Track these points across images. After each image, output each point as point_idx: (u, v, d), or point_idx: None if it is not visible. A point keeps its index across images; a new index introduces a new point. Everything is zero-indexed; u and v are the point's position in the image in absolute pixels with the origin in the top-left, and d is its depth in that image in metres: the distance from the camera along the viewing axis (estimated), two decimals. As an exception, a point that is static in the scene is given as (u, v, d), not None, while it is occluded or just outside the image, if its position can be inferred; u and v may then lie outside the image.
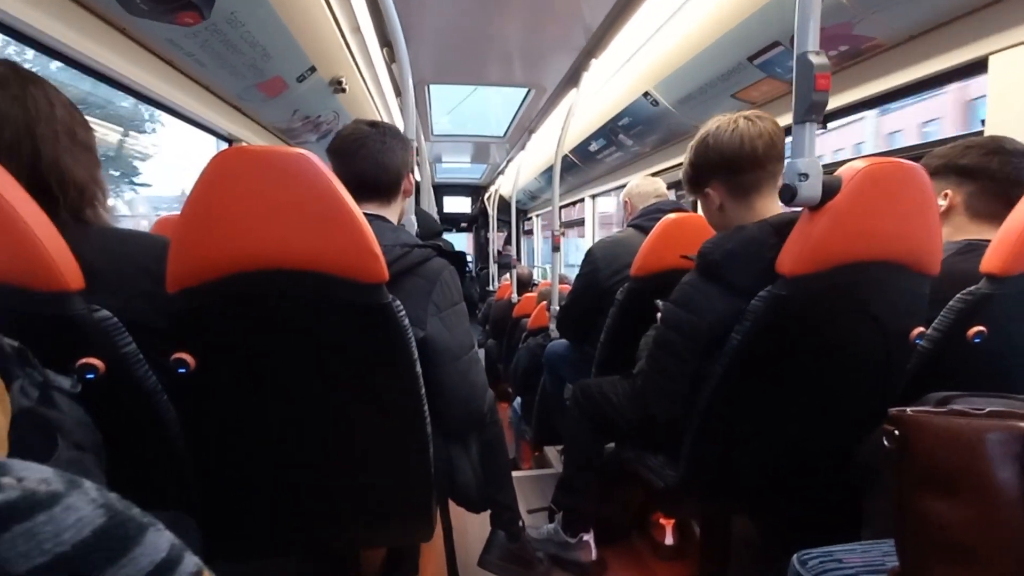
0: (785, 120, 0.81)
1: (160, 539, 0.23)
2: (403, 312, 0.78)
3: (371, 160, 1.00)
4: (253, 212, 0.69)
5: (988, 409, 0.54)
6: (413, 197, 1.33)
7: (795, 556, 0.70)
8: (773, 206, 0.98)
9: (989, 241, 0.89)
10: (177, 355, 0.72)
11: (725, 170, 0.97)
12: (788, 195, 0.75)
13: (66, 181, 0.73)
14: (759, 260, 0.86)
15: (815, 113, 0.73)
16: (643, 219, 1.65)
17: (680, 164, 1.10)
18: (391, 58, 2.11)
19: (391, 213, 1.05)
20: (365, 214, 0.95)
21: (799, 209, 0.86)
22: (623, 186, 2.36)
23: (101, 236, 0.77)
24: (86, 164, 0.77)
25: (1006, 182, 0.97)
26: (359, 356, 0.79)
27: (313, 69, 1.87)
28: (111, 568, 0.21)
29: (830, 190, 0.75)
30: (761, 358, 0.88)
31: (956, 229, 1.04)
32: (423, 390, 0.85)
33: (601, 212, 4.41)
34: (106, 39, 1.26)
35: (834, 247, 0.80)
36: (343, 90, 2.09)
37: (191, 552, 0.24)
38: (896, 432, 0.55)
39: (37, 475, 0.21)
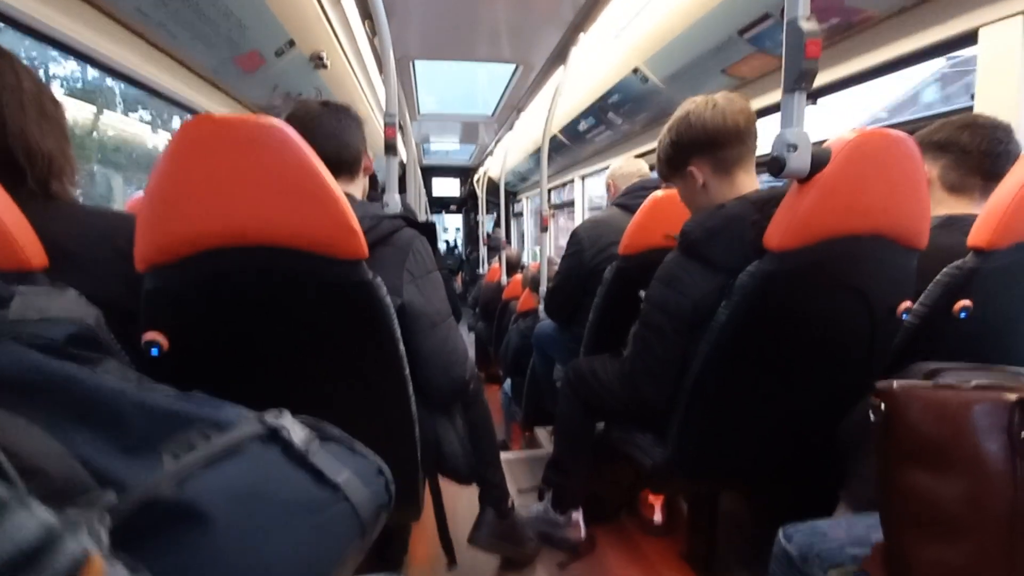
0: (776, 96, 0.78)
1: (29, 521, 0.20)
2: (384, 289, 0.75)
3: (331, 138, 0.97)
4: (223, 185, 0.66)
5: (975, 381, 0.53)
6: (397, 180, 1.30)
7: (781, 530, 0.70)
8: (754, 182, 0.98)
9: (968, 215, 0.89)
10: (149, 336, 0.70)
11: (710, 145, 0.97)
12: (776, 167, 0.74)
13: (33, 151, 0.72)
14: (740, 238, 0.86)
15: (805, 82, 0.72)
16: (627, 197, 1.64)
17: None
18: (373, 32, 2.04)
19: (355, 191, 1.04)
20: None
21: (779, 184, 0.84)
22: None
23: (71, 213, 0.75)
24: (55, 137, 0.75)
25: (978, 154, 0.98)
26: (339, 334, 0.77)
27: (292, 43, 1.80)
28: None
29: (819, 162, 0.73)
30: (748, 334, 0.87)
31: (936, 203, 1.04)
32: (407, 367, 0.83)
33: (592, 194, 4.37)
34: (68, 7, 1.19)
35: (822, 221, 0.79)
36: (324, 66, 2.02)
37: (81, 536, 0.21)
38: (882, 405, 0.54)
39: None
